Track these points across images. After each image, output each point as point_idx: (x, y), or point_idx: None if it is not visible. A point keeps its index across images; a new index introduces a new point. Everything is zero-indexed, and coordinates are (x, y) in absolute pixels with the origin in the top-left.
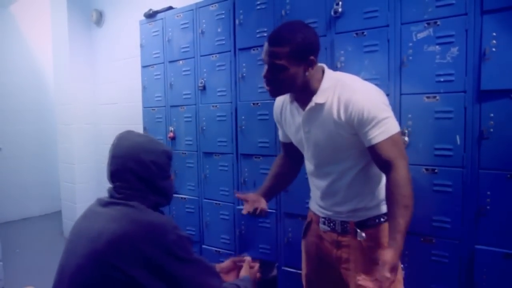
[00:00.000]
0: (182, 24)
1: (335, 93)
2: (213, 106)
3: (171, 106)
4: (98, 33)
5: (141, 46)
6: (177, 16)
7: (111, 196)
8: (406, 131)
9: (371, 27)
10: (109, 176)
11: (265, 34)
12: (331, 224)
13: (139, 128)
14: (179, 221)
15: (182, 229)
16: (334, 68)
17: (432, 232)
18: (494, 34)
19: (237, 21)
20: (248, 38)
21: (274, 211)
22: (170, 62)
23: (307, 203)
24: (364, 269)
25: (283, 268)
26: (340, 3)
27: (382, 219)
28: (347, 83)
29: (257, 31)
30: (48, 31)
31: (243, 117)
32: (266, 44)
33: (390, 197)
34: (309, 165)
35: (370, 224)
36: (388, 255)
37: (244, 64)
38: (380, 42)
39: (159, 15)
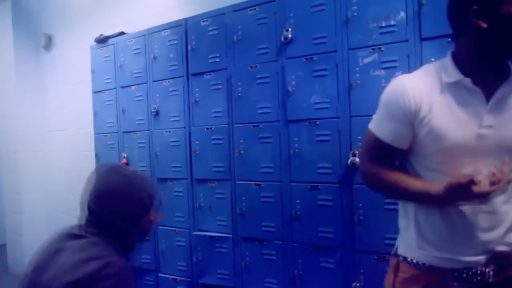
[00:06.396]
0: (134, 50)
1: None
2: (166, 131)
3: (124, 132)
4: (47, 57)
5: (92, 71)
6: (129, 42)
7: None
8: (357, 152)
9: (320, 52)
10: (85, 209)
11: (218, 60)
12: (478, 276)
13: (90, 155)
14: None
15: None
16: (285, 92)
17: (386, 250)
18: (433, 59)
19: (189, 47)
20: (200, 63)
21: (230, 235)
22: (122, 87)
23: (264, 226)
24: None
25: None
26: (290, 29)
27: None
28: None
29: (210, 56)
30: None
31: (197, 142)
32: None
33: None
34: None
35: None
36: None
37: (197, 89)
38: (329, 67)
39: (110, 40)
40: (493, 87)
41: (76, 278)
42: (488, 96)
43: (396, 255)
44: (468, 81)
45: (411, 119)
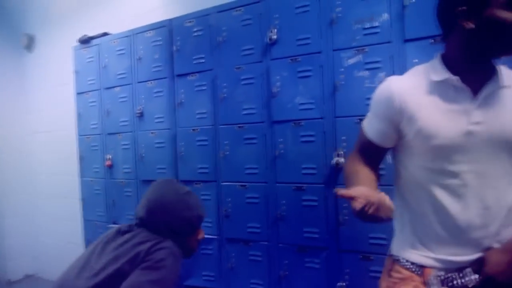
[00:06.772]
0: (118, 51)
1: None
2: (151, 133)
3: (108, 134)
4: (29, 58)
5: (76, 72)
6: (113, 42)
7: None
8: (341, 152)
9: (304, 53)
10: (138, 216)
11: (202, 61)
12: (462, 280)
13: (74, 157)
14: None
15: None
16: (270, 93)
17: (370, 249)
18: (416, 60)
19: (174, 48)
20: (185, 64)
21: (216, 237)
22: (106, 88)
23: (250, 227)
24: None
25: None
26: (275, 30)
27: None
28: None
29: (194, 57)
30: None
31: (182, 143)
32: None
33: None
34: (452, 180)
35: None
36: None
37: (182, 90)
38: (313, 68)
39: (94, 41)
40: (481, 85)
41: (134, 253)
42: (475, 93)
43: (390, 255)
44: (455, 79)
45: (396, 120)
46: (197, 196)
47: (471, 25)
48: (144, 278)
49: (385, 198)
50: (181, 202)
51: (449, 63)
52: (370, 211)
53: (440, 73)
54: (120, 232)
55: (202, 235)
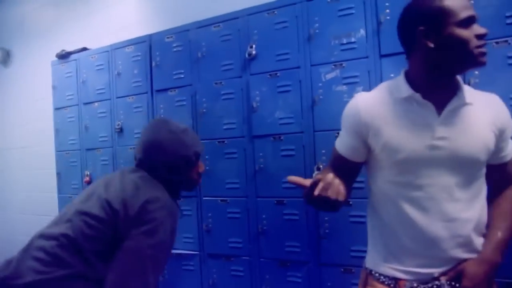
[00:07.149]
0: (97, 66)
1: (476, 95)
2: (130, 148)
3: (87, 150)
4: (5, 73)
5: (53, 87)
6: (92, 58)
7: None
8: (321, 166)
9: (283, 68)
10: (137, 158)
11: (182, 76)
12: None
13: (51, 173)
14: None
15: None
16: (250, 108)
17: (351, 262)
18: (392, 75)
19: (153, 63)
20: (165, 79)
21: (197, 253)
22: (85, 104)
23: (231, 242)
24: None
25: None
26: (254, 46)
27: None
28: (479, 91)
29: (174, 72)
30: None
31: None
32: None
33: (503, 210)
34: (418, 194)
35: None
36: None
37: (161, 106)
38: (292, 83)
39: (72, 56)
40: (444, 101)
41: (130, 202)
42: (439, 109)
43: (365, 268)
44: (418, 95)
45: (363, 135)
46: (194, 132)
47: (431, 44)
48: (144, 243)
49: (333, 179)
50: (177, 140)
51: (412, 80)
52: (316, 192)
53: (403, 90)
54: (123, 173)
55: (202, 168)
